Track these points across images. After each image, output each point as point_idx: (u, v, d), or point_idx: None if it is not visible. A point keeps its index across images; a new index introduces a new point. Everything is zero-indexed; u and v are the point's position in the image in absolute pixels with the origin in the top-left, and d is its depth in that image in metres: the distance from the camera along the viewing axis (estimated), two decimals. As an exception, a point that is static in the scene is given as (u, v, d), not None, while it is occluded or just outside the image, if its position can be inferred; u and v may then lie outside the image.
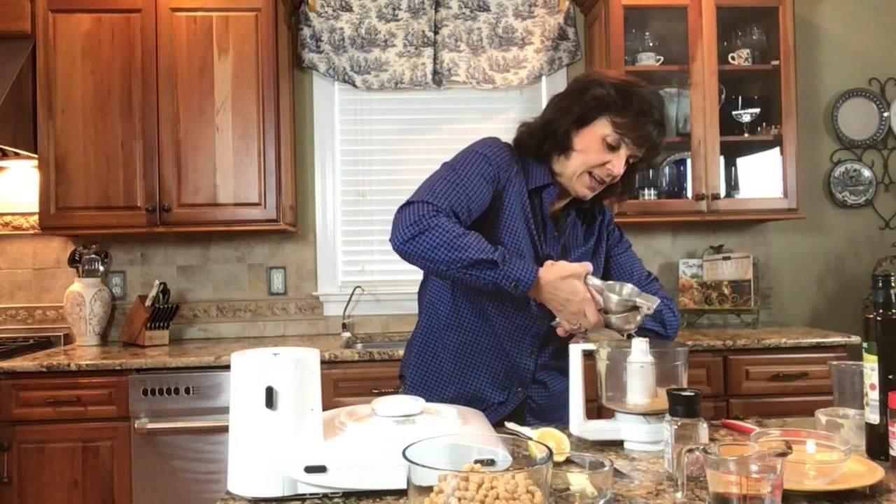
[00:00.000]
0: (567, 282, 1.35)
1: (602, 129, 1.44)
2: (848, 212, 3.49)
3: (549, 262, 1.38)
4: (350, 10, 3.28)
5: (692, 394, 1.11)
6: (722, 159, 3.11)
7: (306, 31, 3.28)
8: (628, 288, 1.39)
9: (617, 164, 1.45)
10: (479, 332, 1.53)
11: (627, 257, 1.67)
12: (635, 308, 1.36)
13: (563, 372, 1.60)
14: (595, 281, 1.36)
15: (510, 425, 1.36)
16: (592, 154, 1.45)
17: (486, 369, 1.54)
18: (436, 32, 3.30)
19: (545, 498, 0.79)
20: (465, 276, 1.35)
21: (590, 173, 1.47)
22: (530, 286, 1.34)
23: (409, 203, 1.39)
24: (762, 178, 3.19)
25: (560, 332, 1.44)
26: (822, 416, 1.28)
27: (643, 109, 1.42)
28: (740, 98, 3.20)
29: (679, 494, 1.00)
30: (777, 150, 3.11)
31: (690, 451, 1.00)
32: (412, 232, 1.34)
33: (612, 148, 1.44)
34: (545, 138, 1.51)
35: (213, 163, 2.93)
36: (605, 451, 1.26)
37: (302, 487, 1.02)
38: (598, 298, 1.36)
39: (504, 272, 1.33)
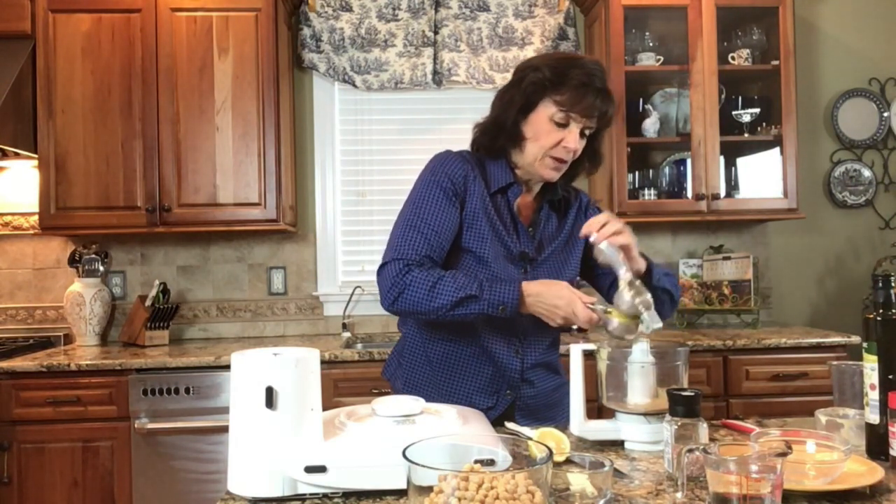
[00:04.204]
0: (551, 288, 1.37)
1: (547, 110, 1.46)
2: (848, 212, 3.49)
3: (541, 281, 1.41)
4: (350, 10, 3.28)
5: (692, 394, 1.11)
6: (722, 159, 3.11)
7: (306, 31, 3.27)
8: (644, 297, 1.30)
9: (571, 140, 1.46)
10: (463, 340, 1.54)
11: None
12: (637, 317, 1.31)
13: (551, 369, 1.61)
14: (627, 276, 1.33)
15: (510, 425, 1.36)
16: (544, 137, 1.47)
17: (473, 376, 1.55)
18: (436, 32, 3.30)
19: (545, 498, 0.79)
20: (455, 316, 1.40)
21: (550, 155, 1.48)
22: (517, 304, 1.37)
23: (384, 264, 1.46)
24: (762, 178, 3.19)
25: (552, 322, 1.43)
26: (822, 416, 1.28)
27: (582, 81, 1.43)
28: (740, 98, 3.20)
29: (679, 494, 1.00)
30: (777, 150, 3.11)
31: (690, 451, 1.01)
32: (394, 295, 1.42)
33: (562, 125, 1.46)
34: (497, 134, 1.53)
35: (213, 163, 2.93)
36: (605, 451, 1.26)
37: (302, 487, 1.02)
38: (587, 298, 1.36)
39: (488, 301, 1.37)
